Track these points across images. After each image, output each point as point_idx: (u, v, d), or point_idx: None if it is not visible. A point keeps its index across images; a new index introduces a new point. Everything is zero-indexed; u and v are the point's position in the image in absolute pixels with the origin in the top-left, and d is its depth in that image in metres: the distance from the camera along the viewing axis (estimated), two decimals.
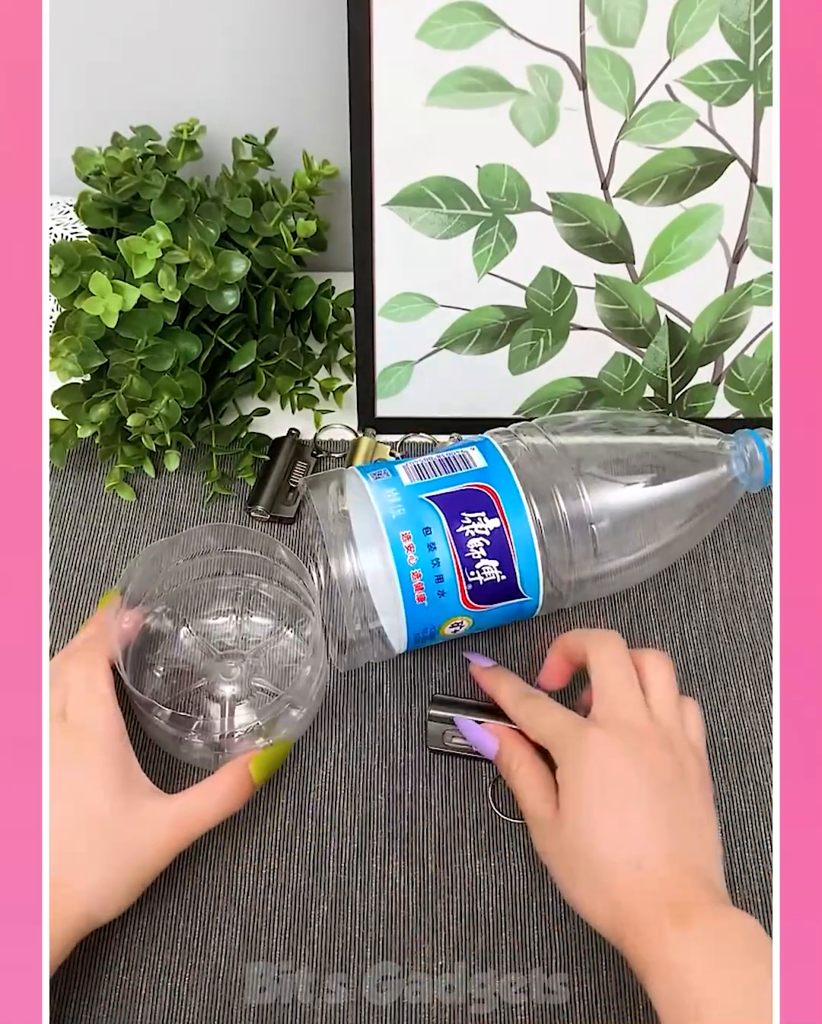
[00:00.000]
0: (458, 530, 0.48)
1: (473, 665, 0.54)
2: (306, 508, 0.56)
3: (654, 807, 0.43)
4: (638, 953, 0.40)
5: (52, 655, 0.57)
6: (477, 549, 0.48)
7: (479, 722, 0.51)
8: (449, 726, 0.53)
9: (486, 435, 0.53)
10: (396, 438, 0.67)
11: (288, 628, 0.56)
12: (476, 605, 0.49)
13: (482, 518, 0.48)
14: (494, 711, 0.53)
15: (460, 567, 0.48)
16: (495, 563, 0.48)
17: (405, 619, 0.49)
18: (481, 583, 0.49)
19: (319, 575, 0.54)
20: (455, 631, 0.51)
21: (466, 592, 0.49)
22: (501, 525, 0.48)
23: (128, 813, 0.45)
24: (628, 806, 0.43)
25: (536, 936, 0.49)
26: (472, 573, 0.48)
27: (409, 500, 0.49)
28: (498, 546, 0.48)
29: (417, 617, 0.49)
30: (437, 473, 0.50)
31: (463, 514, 0.48)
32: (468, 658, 0.54)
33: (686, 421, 0.55)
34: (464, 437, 0.67)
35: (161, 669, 0.55)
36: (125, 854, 0.44)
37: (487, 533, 0.48)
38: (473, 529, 0.48)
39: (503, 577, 0.49)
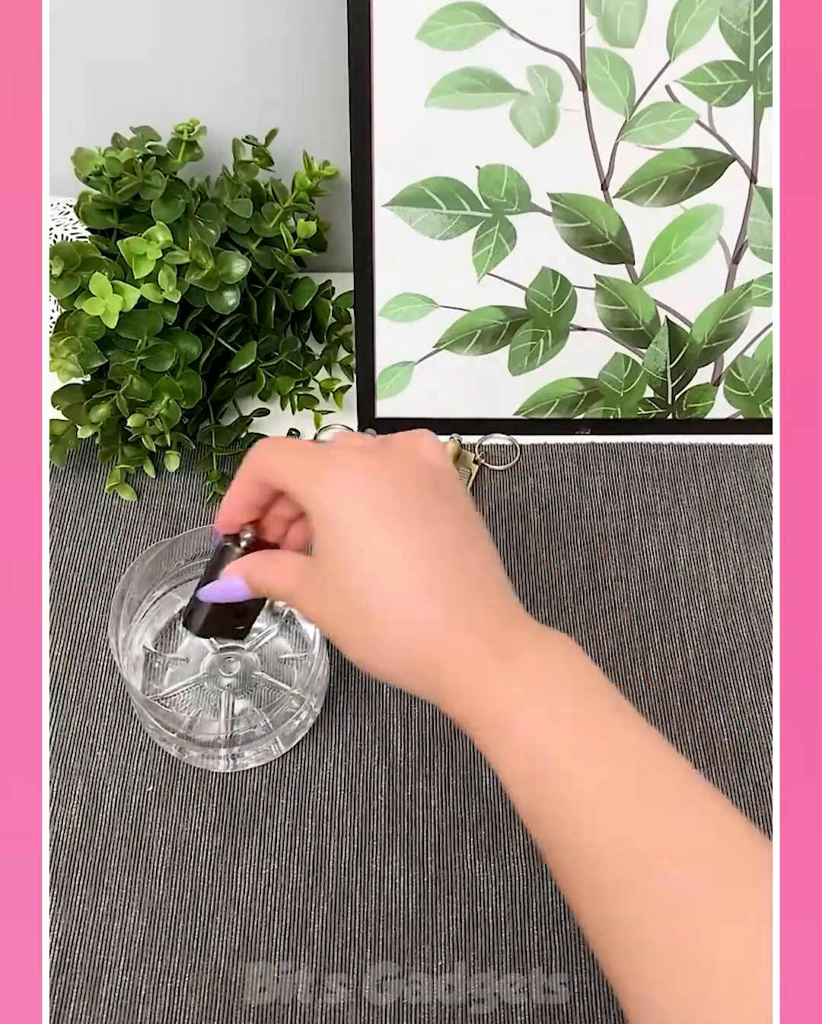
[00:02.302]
0: None
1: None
2: None
3: (433, 525, 0.36)
4: (458, 698, 0.35)
5: (52, 655, 0.57)
6: None
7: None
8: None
9: None
10: None
11: (289, 624, 0.56)
12: None
13: None
14: None
15: None
16: None
17: None
18: None
19: None
20: None
21: None
22: None
23: None
24: (406, 527, 0.36)
25: (536, 936, 0.49)
26: None
27: None
28: None
29: None
30: None
31: None
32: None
33: None
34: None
35: (160, 666, 0.55)
36: None
37: None
38: None
39: None
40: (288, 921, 0.49)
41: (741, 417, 0.67)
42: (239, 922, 0.49)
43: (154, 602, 0.56)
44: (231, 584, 0.42)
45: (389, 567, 0.35)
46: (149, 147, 0.60)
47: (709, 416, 0.67)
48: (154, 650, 0.55)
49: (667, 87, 0.53)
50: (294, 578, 0.39)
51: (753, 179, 0.57)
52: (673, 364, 0.64)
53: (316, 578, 0.37)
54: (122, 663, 0.50)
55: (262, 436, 0.65)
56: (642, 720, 0.35)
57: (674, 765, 0.34)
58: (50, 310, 0.65)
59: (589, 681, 0.35)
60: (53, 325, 0.59)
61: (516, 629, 0.36)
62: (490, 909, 0.49)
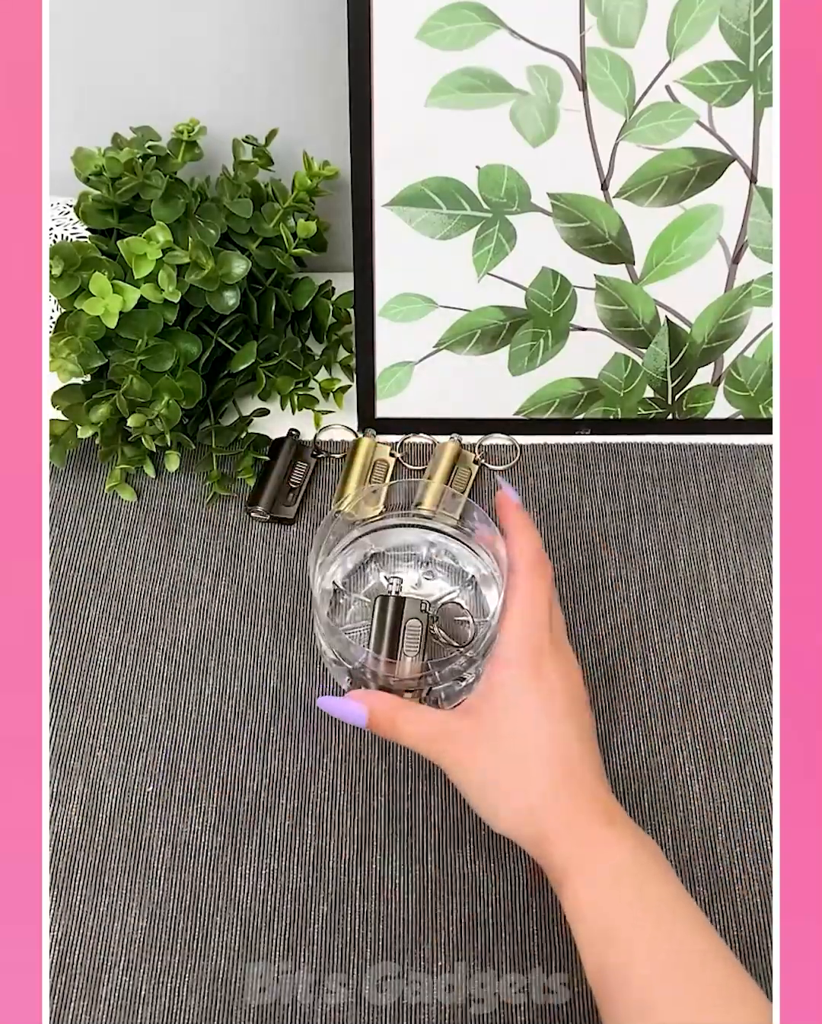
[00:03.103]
0: None
1: (502, 494, 0.51)
2: (305, 508, 0.55)
3: (574, 718, 0.45)
4: (564, 851, 0.42)
5: (52, 655, 0.57)
6: None
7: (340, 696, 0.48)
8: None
9: None
10: (396, 439, 0.67)
11: (467, 587, 0.56)
12: None
13: None
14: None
15: None
16: None
17: None
18: None
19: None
20: None
21: None
22: None
23: None
24: (558, 716, 0.45)
25: (536, 936, 0.49)
26: None
27: None
28: None
29: None
30: None
31: None
32: (501, 485, 0.52)
33: None
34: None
35: (344, 603, 0.56)
36: None
37: None
38: None
39: None
40: (288, 921, 0.49)
41: (741, 417, 0.67)
42: (239, 922, 0.49)
43: (347, 544, 0.56)
44: (351, 711, 0.47)
45: (538, 744, 0.44)
46: (149, 147, 0.60)
47: (709, 416, 0.67)
48: (342, 587, 0.56)
49: (667, 87, 0.53)
50: (460, 725, 0.46)
51: (753, 179, 0.57)
52: (673, 364, 0.64)
53: (477, 738, 0.45)
54: (315, 589, 0.50)
55: (262, 436, 0.65)
56: (696, 915, 0.41)
57: (718, 963, 0.40)
58: (50, 310, 0.65)
59: (665, 875, 0.42)
60: (53, 325, 0.59)
61: (615, 809, 0.44)
62: (490, 909, 0.49)
